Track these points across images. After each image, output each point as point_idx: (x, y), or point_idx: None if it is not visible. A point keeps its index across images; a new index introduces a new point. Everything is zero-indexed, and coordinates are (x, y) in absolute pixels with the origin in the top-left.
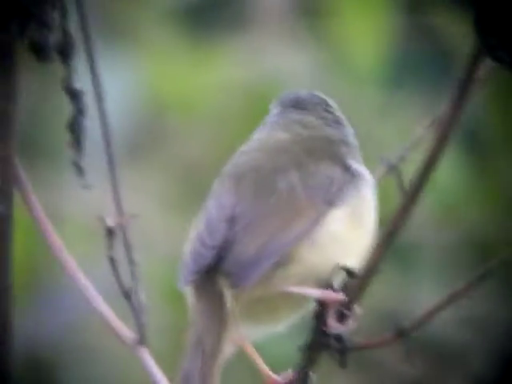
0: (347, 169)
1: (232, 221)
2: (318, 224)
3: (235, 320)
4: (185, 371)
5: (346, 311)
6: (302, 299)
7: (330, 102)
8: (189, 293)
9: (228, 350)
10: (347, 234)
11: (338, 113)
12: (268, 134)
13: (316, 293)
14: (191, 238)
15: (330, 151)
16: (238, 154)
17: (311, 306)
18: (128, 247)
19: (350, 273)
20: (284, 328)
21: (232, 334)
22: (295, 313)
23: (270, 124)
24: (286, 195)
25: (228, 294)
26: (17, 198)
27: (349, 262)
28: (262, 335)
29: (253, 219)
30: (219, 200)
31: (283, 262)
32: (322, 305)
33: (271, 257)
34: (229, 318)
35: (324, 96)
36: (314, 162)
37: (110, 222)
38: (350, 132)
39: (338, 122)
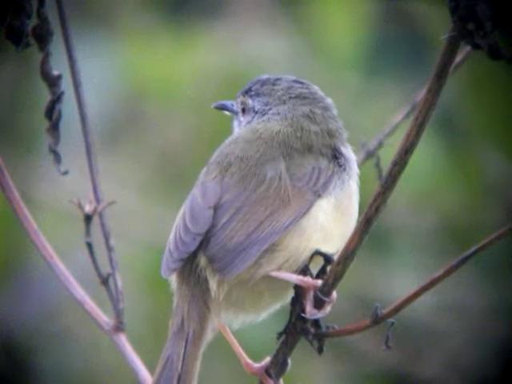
0: (335, 159)
1: (218, 208)
2: (305, 213)
3: (219, 306)
4: (167, 356)
5: (323, 297)
6: (285, 286)
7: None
8: (172, 279)
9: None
10: (332, 223)
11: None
12: (257, 123)
13: (295, 278)
14: (175, 226)
15: (318, 141)
16: (227, 143)
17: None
18: (106, 233)
19: (327, 259)
20: (264, 316)
21: (215, 320)
22: (278, 300)
23: (260, 114)
24: (275, 185)
25: (212, 280)
26: None
27: (331, 249)
28: (244, 323)
29: (241, 207)
30: (204, 188)
31: (270, 248)
32: (300, 290)
33: (260, 244)
34: (212, 303)
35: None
36: (301, 153)
37: (88, 208)
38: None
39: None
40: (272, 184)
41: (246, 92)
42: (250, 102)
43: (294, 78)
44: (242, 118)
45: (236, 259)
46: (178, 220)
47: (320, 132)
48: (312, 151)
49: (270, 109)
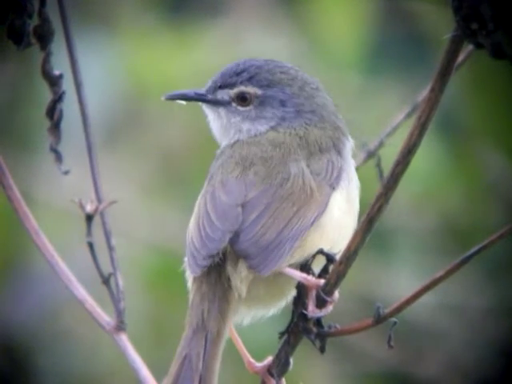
0: (340, 153)
1: (245, 205)
2: (325, 208)
3: (239, 303)
4: (184, 355)
5: (325, 296)
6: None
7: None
8: (189, 277)
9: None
10: (344, 218)
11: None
12: (298, 126)
13: (298, 275)
14: (194, 224)
15: (328, 136)
16: (241, 144)
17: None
18: (107, 233)
19: (329, 258)
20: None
21: (235, 318)
22: (290, 295)
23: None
24: (299, 181)
25: (236, 277)
26: None
27: (342, 244)
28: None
29: (270, 203)
30: (227, 186)
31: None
32: (303, 290)
33: (291, 241)
34: (234, 302)
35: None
36: (320, 149)
37: (89, 207)
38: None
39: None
40: (296, 180)
41: (249, 80)
42: (258, 91)
43: (280, 61)
44: (241, 108)
45: (270, 256)
46: (199, 219)
47: (340, 128)
48: (328, 146)
49: (302, 103)
